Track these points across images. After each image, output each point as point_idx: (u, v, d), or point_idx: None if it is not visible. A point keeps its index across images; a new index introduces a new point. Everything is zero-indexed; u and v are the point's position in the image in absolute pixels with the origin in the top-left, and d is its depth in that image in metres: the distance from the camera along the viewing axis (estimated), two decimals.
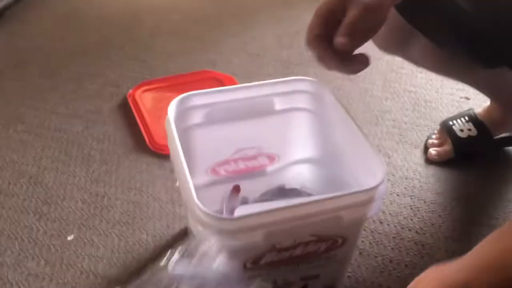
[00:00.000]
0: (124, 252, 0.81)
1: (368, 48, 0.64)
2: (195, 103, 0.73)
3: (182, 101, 0.72)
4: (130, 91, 1.15)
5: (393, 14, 0.76)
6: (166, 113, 1.07)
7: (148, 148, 1.01)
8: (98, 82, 1.20)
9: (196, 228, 0.57)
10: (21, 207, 0.88)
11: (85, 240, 0.83)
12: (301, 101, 0.78)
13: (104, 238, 0.83)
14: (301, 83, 0.76)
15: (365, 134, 0.67)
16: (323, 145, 0.80)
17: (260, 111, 0.77)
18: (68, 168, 0.97)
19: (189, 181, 0.57)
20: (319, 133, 0.79)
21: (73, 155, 1.00)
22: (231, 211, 0.74)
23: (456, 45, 0.77)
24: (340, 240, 0.64)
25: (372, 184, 0.59)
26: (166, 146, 0.99)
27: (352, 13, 0.56)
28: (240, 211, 0.60)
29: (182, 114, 0.73)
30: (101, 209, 0.89)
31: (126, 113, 1.11)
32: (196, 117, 0.75)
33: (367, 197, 0.58)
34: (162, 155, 1.00)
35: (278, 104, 0.78)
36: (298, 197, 0.80)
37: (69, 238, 0.83)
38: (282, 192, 0.82)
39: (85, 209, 0.88)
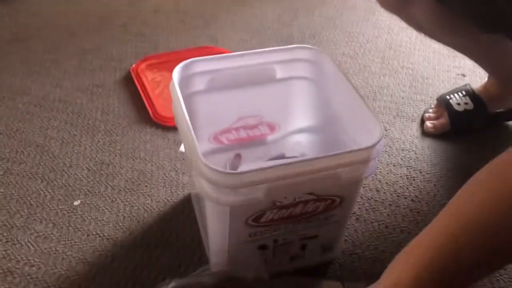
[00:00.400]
0: (129, 216, 0.84)
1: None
2: (198, 69, 0.75)
3: (185, 67, 0.74)
4: (133, 65, 1.17)
5: None
6: (168, 87, 1.11)
7: (151, 120, 1.03)
8: (101, 57, 1.22)
9: (200, 184, 0.60)
10: (29, 173, 0.91)
11: (91, 205, 0.86)
12: (302, 69, 0.80)
13: (110, 204, 0.86)
14: (302, 51, 0.78)
15: (362, 97, 0.69)
16: (322, 113, 0.82)
17: (261, 79, 0.79)
18: (74, 138, 0.99)
19: (194, 138, 0.59)
20: (318, 101, 0.81)
21: (79, 125, 1.02)
22: (234, 169, 0.76)
23: (458, 3, 0.77)
24: (338, 200, 0.67)
25: (369, 143, 0.61)
26: (169, 118, 1.03)
27: None
28: (242, 168, 0.63)
29: (185, 80, 0.74)
30: (106, 177, 0.91)
31: (130, 86, 1.13)
32: (199, 84, 0.77)
33: (364, 156, 0.61)
34: (165, 126, 1.02)
35: (279, 72, 0.80)
36: None
37: (76, 203, 0.86)
38: (282, 158, 0.85)
39: (90, 176, 0.91)
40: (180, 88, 0.72)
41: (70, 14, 1.39)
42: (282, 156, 0.88)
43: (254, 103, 0.82)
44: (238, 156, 0.87)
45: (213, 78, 0.77)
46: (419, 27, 0.92)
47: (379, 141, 0.61)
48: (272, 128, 0.87)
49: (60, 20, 1.36)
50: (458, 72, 1.23)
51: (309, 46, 0.77)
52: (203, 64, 0.75)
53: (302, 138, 0.88)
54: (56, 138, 0.99)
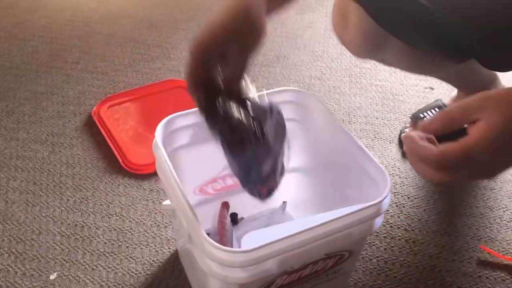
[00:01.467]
0: (114, 285, 0.77)
1: (331, 44, 0.63)
2: (181, 124, 0.70)
3: (168, 124, 0.68)
4: (94, 108, 1.09)
5: (367, 21, 0.76)
6: (135, 130, 1.04)
7: (122, 168, 0.96)
8: (57, 101, 1.13)
9: (205, 263, 0.55)
10: None
11: (70, 277, 0.78)
12: (288, 111, 0.76)
13: (91, 272, 0.79)
14: (287, 94, 0.75)
15: (359, 141, 0.66)
16: (311, 154, 0.79)
17: None
18: (40, 199, 0.90)
19: (195, 216, 0.54)
20: (307, 142, 0.78)
21: (43, 184, 0.93)
22: (238, 239, 0.71)
23: (430, 45, 0.79)
24: (347, 254, 0.64)
25: (376, 195, 0.58)
26: (142, 165, 0.96)
27: (235, 65, 0.55)
28: (249, 239, 0.58)
29: (168, 136, 0.69)
30: (82, 241, 0.83)
31: (93, 132, 1.05)
32: (183, 138, 0.72)
33: (374, 211, 0.58)
34: (138, 175, 0.95)
35: None
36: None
37: (52, 277, 0.78)
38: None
39: (64, 243, 0.83)
40: (163, 145, 0.66)
41: (15, 54, 1.28)
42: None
43: None
44: (226, 205, 0.82)
45: (196, 131, 0.71)
46: (392, 66, 0.92)
47: (387, 195, 0.58)
48: None
49: (4, 61, 1.25)
50: (426, 86, 1.23)
51: (295, 88, 0.74)
52: (185, 119, 0.70)
53: (291, 179, 0.84)
54: (19, 201, 0.89)
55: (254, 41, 0.55)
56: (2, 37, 1.34)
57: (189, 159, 0.74)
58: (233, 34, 0.53)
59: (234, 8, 0.53)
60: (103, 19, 1.44)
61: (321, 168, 0.77)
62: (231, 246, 0.72)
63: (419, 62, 0.87)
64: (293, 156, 0.81)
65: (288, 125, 0.78)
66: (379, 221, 0.61)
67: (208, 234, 0.80)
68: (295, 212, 0.86)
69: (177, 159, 0.73)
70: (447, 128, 0.47)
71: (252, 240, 0.57)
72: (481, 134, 0.45)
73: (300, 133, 0.78)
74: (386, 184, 0.59)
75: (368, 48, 0.85)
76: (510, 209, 0.93)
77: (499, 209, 0.93)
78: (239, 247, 0.58)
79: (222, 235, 0.76)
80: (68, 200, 0.90)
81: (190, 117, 0.70)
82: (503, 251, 0.85)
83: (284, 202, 0.86)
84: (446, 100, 1.11)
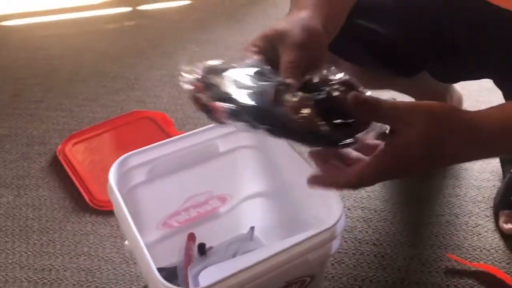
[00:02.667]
0: None
1: None
2: (136, 162, 0.70)
3: (122, 163, 0.69)
4: (59, 146, 1.08)
5: None
6: (102, 166, 1.04)
7: (89, 206, 0.96)
8: (21, 142, 1.12)
9: None
10: None
11: None
12: (244, 139, 0.77)
13: None
14: None
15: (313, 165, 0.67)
16: (271, 179, 0.80)
17: (204, 156, 0.76)
18: (6, 245, 0.89)
19: (149, 258, 0.54)
20: (266, 168, 0.79)
21: (8, 229, 0.92)
22: (196, 275, 0.71)
23: (378, 64, 0.81)
24: (308, 279, 0.64)
25: (330, 219, 0.59)
26: (108, 202, 0.95)
27: (286, 57, 0.53)
28: (205, 275, 0.58)
29: (124, 176, 0.69)
30: (50, 285, 0.82)
31: (59, 171, 1.04)
32: (139, 176, 0.72)
33: (328, 235, 0.59)
34: (105, 211, 0.95)
35: (222, 146, 0.76)
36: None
37: None
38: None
39: None
40: (120, 183, 0.67)
41: None
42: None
43: (201, 180, 0.78)
44: (191, 236, 0.82)
45: (153, 167, 0.72)
46: None
47: (340, 217, 0.59)
48: (223, 200, 0.83)
49: None
50: (388, 96, 1.25)
51: None
52: (139, 157, 0.70)
53: (255, 204, 0.84)
54: None
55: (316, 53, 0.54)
56: None
57: (149, 195, 0.74)
58: (291, 39, 0.53)
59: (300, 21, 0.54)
60: (65, 55, 1.44)
61: (282, 193, 0.77)
62: (197, 279, 0.72)
63: (370, 80, 0.89)
64: (255, 180, 0.82)
65: (247, 151, 0.79)
66: (336, 243, 0.61)
67: (175, 267, 0.81)
68: (264, 236, 0.86)
69: (136, 196, 0.73)
70: (369, 117, 0.48)
71: (210, 275, 0.57)
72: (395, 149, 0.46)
73: (259, 159, 0.79)
74: (339, 206, 0.60)
75: None
76: (474, 214, 0.94)
77: (465, 215, 0.94)
78: (198, 283, 0.59)
79: (188, 269, 0.76)
80: (35, 243, 0.89)
81: (145, 154, 0.70)
82: (470, 258, 0.86)
83: (252, 228, 0.86)
84: None
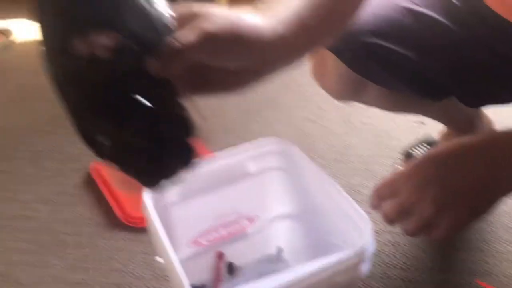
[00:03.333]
0: None
1: (321, 89, 0.66)
2: None
3: None
4: (93, 164, 1.12)
5: (343, 67, 0.80)
6: (135, 183, 1.06)
7: (122, 222, 0.98)
8: (57, 159, 1.17)
9: None
10: None
11: None
12: (273, 161, 0.79)
13: None
14: (270, 144, 0.78)
15: (340, 188, 0.68)
16: (299, 200, 0.81)
17: (234, 176, 0.78)
18: (41, 259, 0.92)
19: (182, 276, 0.56)
20: (294, 189, 0.81)
21: (45, 243, 0.96)
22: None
23: (406, 88, 0.82)
24: None
25: (360, 242, 0.60)
26: (140, 218, 0.98)
27: (187, 36, 0.41)
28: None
29: (158, 195, 0.72)
30: None
31: (93, 188, 1.08)
32: (172, 195, 0.74)
33: (359, 258, 0.59)
34: (136, 228, 0.97)
35: (252, 167, 0.78)
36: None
37: None
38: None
39: None
40: (153, 202, 0.69)
41: (19, 115, 1.33)
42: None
43: (230, 200, 0.80)
44: (220, 255, 0.84)
45: (185, 187, 0.74)
46: (372, 106, 0.95)
47: (370, 240, 0.60)
48: (251, 220, 0.84)
49: (8, 123, 1.30)
50: (416, 120, 1.26)
51: (276, 138, 0.77)
52: None
53: (283, 225, 0.86)
54: (22, 262, 0.92)
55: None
56: (7, 101, 1.40)
57: (180, 213, 0.76)
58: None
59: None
60: None
61: (310, 214, 0.79)
62: None
63: (398, 103, 0.90)
64: (284, 202, 0.84)
65: (276, 173, 0.81)
66: (365, 267, 0.62)
67: (204, 285, 0.83)
68: (291, 257, 0.87)
69: (169, 214, 0.75)
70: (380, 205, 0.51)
71: None
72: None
73: (288, 180, 0.81)
74: (368, 229, 0.61)
75: (347, 92, 0.88)
76: (505, 241, 0.93)
77: (495, 241, 0.93)
78: None
79: (217, 287, 0.78)
80: (68, 258, 0.92)
81: None
82: (500, 285, 0.85)
83: (280, 248, 0.87)
84: (436, 135, 1.14)
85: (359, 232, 0.63)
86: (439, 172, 0.52)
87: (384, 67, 0.78)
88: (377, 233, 0.96)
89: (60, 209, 1.03)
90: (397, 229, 0.96)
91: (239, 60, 0.43)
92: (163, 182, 0.44)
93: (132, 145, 0.41)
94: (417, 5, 0.78)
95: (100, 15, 0.38)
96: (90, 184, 1.09)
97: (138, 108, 0.39)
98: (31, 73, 1.53)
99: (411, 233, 0.54)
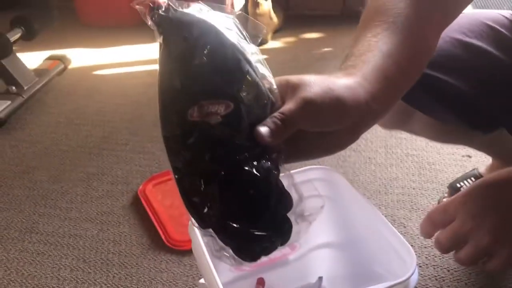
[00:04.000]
0: None
1: None
2: None
3: None
4: (141, 187, 1.16)
5: None
6: (179, 207, 1.09)
7: (165, 245, 1.01)
8: (107, 181, 1.21)
9: None
10: None
11: None
12: (318, 188, 0.80)
13: None
14: (315, 172, 0.78)
15: (384, 218, 0.68)
16: (342, 229, 0.81)
17: None
18: (88, 276, 0.96)
19: None
20: (338, 218, 0.80)
21: (91, 261, 0.99)
22: None
23: (457, 119, 0.81)
24: None
25: (403, 272, 0.59)
26: (183, 242, 1.01)
27: (288, 106, 0.43)
28: None
29: None
30: None
31: (139, 210, 1.11)
32: None
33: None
34: (179, 251, 0.99)
35: (294, 193, 0.79)
36: None
37: None
38: None
39: None
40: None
41: (71, 138, 1.40)
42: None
43: None
44: (261, 281, 0.84)
45: None
46: (419, 135, 0.95)
47: (414, 271, 0.59)
48: (292, 247, 0.84)
49: (61, 145, 1.37)
50: (463, 154, 1.23)
51: (322, 166, 0.78)
52: None
53: (324, 254, 0.85)
54: (70, 279, 0.95)
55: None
56: (62, 123, 1.48)
57: None
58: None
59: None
60: (151, 102, 1.56)
61: (352, 244, 0.78)
62: None
63: (447, 133, 0.89)
64: (326, 231, 0.84)
65: (319, 201, 0.82)
66: None
67: None
68: (331, 286, 0.86)
69: (214, 237, 0.77)
70: (432, 232, 0.50)
71: None
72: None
73: (331, 209, 0.81)
74: (413, 261, 0.60)
75: (396, 121, 0.89)
76: None
77: None
78: None
79: None
80: (113, 277, 0.95)
81: None
82: None
83: (320, 278, 0.87)
84: (483, 168, 1.11)
85: (403, 264, 0.62)
86: (497, 200, 0.50)
87: (435, 98, 0.78)
88: (420, 266, 0.94)
89: (107, 228, 1.07)
90: (442, 264, 0.94)
91: (338, 124, 0.45)
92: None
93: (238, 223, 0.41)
94: (468, 36, 0.78)
95: (218, 86, 0.42)
96: (137, 206, 1.13)
97: (249, 181, 0.41)
98: (83, 97, 1.62)
99: (465, 262, 0.52)
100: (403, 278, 0.58)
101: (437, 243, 0.53)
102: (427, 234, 0.55)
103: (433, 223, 0.54)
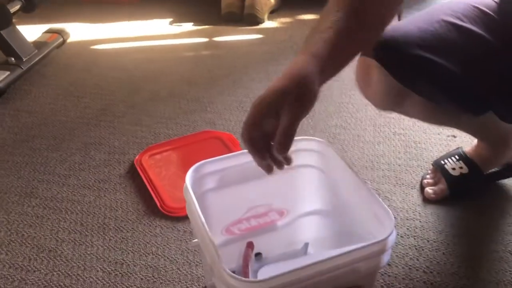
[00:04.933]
0: None
1: (357, 96, 0.71)
2: (209, 170, 0.79)
3: (197, 169, 0.77)
4: (137, 157, 1.20)
5: (388, 78, 0.84)
6: (173, 176, 1.14)
7: (160, 211, 1.05)
8: (104, 150, 1.25)
9: None
10: (44, 281, 0.91)
11: None
12: (308, 158, 0.84)
13: None
14: (308, 143, 0.82)
15: (370, 187, 0.72)
16: (329, 198, 0.85)
17: None
18: (86, 239, 1.00)
19: (217, 251, 0.61)
20: (325, 187, 0.85)
21: (89, 225, 1.03)
22: (254, 272, 0.78)
23: (449, 101, 0.85)
24: None
25: (382, 234, 0.64)
26: (177, 208, 1.05)
27: (286, 122, 0.60)
28: (263, 271, 0.65)
29: (198, 181, 0.78)
30: (121, 277, 0.92)
31: (135, 178, 1.15)
32: (211, 182, 0.80)
33: (380, 248, 0.63)
34: (173, 217, 1.04)
35: None
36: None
37: None
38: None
39: (105, 278, 0.92)
40: (193, 189, 0.75)
41: (70, 109, 1.44)
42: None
43: (262, 193, 0.85)
44: (250, 245, 0.89)
45: (222, 176, 0.80)
46: (411, 117, 0.98)
47: (391, 232, 0.64)
48: (281, 213, 0.89)
49: (60, 116, 1.40)
50: (448, 134, 1.28)
51: (314, 138, 0.82)
52: (213, 165, 0.78)
53: (311, 221, 0.90)
54: (68, 240, 1.00)
55: (306, 105, 0.61)
56: (60, 95, 1.51)
57: (216, 201, 0.82)
58: (289, 96, 0.60)
59: (294, 74, 0.61)
60: (147, 77, 1.60)
61: (338, 211, 0.83)
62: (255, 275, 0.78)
63: (438, 115, 0.93)
64: (314, 199, 0.88)
65: (308, 170, 0.86)
66: (386, 257, 0.66)
67: (233, 272, 0.88)
68: (317, 251, 0.91)
69: (206, 201, 0.81)
70: None
71: (267, 272, 0.64)
72: None
73: (318, 178, 0.85)
74: (391, 224, 0.65)
75: (390, 102, 0.92)
76: None
77: None
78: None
79: (246, 273, 0.83)
80: (110, 239, 1.00)
81: (218, 164, 0.79)
82: None
83: (306, 244, 0.92)
84: (467, 148, 1.16)
85: (382, 227, 0.67)
86: None
87: (429, 80, 0.81)
88: (401, 237, 0.99)
89: (104, 195, 1.11)
90: (422, 235, 0.99)
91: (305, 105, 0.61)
92: None
93: None
94: (461, 20, 0.81)
95: None
96: (133, 175, 1.17)
97: None
98: (81, 71, 1.65)
99: None
100: (381, 238, 0.63)
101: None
102: None
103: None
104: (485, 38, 0.79)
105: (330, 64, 0.64)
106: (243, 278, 0.59)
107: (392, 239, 0.65)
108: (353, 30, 0.63)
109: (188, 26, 1.96)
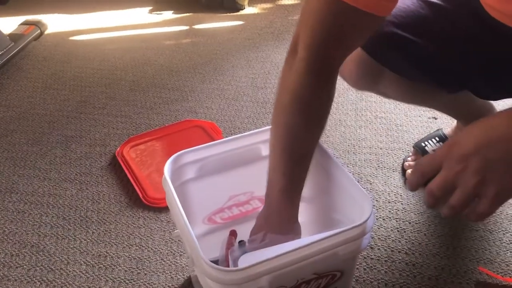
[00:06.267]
0: None
1: (338, 81, 0.71)
2: (188, 159, 0.78)
3: (176, 160, 0.77)
4: (118, 148, 1.19)
5: (362, 55, 0.84)
6: (155, 167, 1.13)
7: (143, 202, 1.05)
8: (85, 143, 1.24)
9: (204, 281, 0.62)
10: (27, 277, 0.91)
11: None
12: None
13: None
14: None
15: (348, 171, 0.73)
16: (310, 184, 0.86)
17: (248, 159, 0.83)
18: (68, 232, 1.00)
19: (195, 241, 0.61)
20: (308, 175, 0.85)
21: (71, 218, 1.03)
22: (235, 260, 0.78)
23: (424, 78, 0.85)
24: (338, 274, 0.69)
25: (361, 218, 0.64)
26: (159, 199, 1.05)
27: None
28: (244, 259, 0.65)
29: (177, 171, 0.77)
30: (105, 269, 0.92)
31: (117, 170, 1.15)
32: (190, 172, 0.80)
33: (359, 232, 0.64)
34: (156, 208, 1.04)
35: (264, 150, 0.83)
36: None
37: None
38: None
39: (89, 271, 0.91)
40: (173, 178, 0.74)
41: (49, 102, 1.41)
42: None
43: (243, 181, 0.85)
44: (233, 233, 0.89)
45: (202, 165, 0.80)
46: (388, 97, 0.98)
47: (370, 215, 0.64)
48: (263, 201, 0.89)
49: (39, 109, 1.38)
50: (429, 116, 1.29)
51: None
52: (191, 155, 0.78)
53: None
54: (50, 235, 0.99)
55: None
56: (39, 88, 1.49)
57: (197, 191, 0.81)
58: None
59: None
60: (127, 67, 1.58)
61: (318, 197, 0.83)
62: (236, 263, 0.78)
63: (414, 94, 0.93)
64: None
65: None
66: (365, 241, 0.66)
67: (216, 261, 0.88)
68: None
69: (186, 191, 0.81)
70: (421, 181, 0.53)
71: (247, 260, 0.64)
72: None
73: None
74: (369, 208, 0.66)
75: (365, 80, 0.92)
76: (510, 232, 0.96)
77: (499, 231, 0.96)
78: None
79: (228, 262, 0.83)
80: (93, 233, 0.99)
81: (197, 153, 0.78)
82: (501, 272, 0.88)
83: None
84: (448, 129, 1.17)
85: (361, 211, 0.67)
86: (479, 143, 0.50)
87: (404, 56, 0.82)
88: (383, 219, 1.00)
89: (86, 188, 1.10)
90: (404, 217, 1.00)
91: None
92: None
93: None
94: None
95: None
96: (115, 167, 1.16)
97: None
98: (60, 63, 1.62)
99: (457, 206, 0.51)
100: (359, 222, 0.64)
101: (429, 194, 0.53)
102: (416, 185, 0.54)
103: (421, 173, 0.54)
104: (460, 14, 0.79)
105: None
106: (222, 267, 0.59)
107: (370, 223, 0.65)
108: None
109: (168, 14, 1.93)
